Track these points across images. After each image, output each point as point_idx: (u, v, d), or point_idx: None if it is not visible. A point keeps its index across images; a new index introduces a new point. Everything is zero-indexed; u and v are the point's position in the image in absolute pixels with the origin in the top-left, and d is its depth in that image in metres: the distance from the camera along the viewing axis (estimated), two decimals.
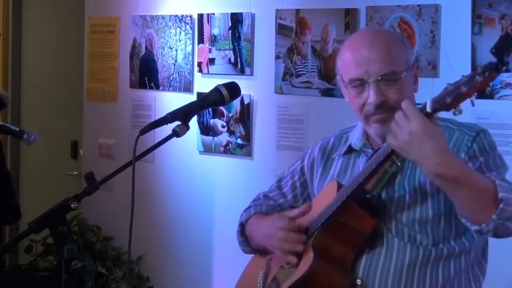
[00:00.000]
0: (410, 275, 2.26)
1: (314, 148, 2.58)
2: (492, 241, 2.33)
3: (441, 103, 2.06)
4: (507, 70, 3.55)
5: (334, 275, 2.26)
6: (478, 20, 3.65)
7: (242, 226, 2.61)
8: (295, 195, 2.61)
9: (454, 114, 2.08)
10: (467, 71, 3.61)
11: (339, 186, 2.35)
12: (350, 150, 2.45)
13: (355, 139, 2.45)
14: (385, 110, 2.26)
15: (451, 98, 2.03)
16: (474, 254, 2.32)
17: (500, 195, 2.09)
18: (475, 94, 2.03)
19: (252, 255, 2.64)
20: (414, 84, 2.34)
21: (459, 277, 2.29)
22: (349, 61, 2.31)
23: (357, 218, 2.27)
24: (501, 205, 2.08)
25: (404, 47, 2.34)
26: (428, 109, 2.07)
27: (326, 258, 2.27)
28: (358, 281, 2.27)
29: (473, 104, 2.04)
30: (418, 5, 3.85)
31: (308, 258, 2.29)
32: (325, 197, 2.38)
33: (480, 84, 2.00)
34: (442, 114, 2.13)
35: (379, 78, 2.25)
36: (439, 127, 2.11)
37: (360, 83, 2.28)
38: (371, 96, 2.26)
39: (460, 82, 2.03)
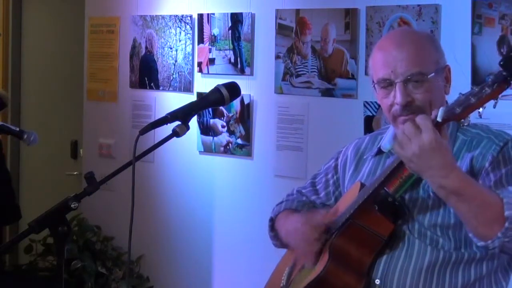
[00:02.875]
0: (429, 277, 2.25)
1: (348, 147, 2.57)
2: None
3: (450, 113, 2.06)
4: None
5: (348, 278, 2.26)
6: (478, 20, 3.65)
7: (272, 221, 2.62)
8: (327, 193, 2.61)
9: (463, 124, 2.09)
10: (467, 71, 3.64)
11: (362, 187, 2.35)
12: (380, 151, 2.45)
13: (385, 141, 2.44)
14: (412, 111, 2.24)
15: (461, 109, 2.04)
16: (498, 261, 2.30)
17: (506, 213, 2.08)
18: (485, 105, 2.02)
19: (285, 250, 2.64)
20: (446, 87, 2.32)
21: (480, 282, 2.27)
22: (378, 61, 2.31)
23: (375, 221, 2.26)
24: (506, 224, 2.07)
25: (435, 49, 2.32)
26: (439, 119, 2.07)
27: (342, 260, 2.28)
28: (377, 281, 2.27)
29: (480, 116, 2.03)
30: (418, 5, 3.85)
31: (324, 260, 2.30)
32: (348, 198, 2.38)
33: (488, 96, 2.00)
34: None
35: (406, 78, 2.24)
36: (447, 138, 2.11)
37: (387, 84, 2.28)
38: (397, 96, 2.25)
39: (471, 93, 2.03)
